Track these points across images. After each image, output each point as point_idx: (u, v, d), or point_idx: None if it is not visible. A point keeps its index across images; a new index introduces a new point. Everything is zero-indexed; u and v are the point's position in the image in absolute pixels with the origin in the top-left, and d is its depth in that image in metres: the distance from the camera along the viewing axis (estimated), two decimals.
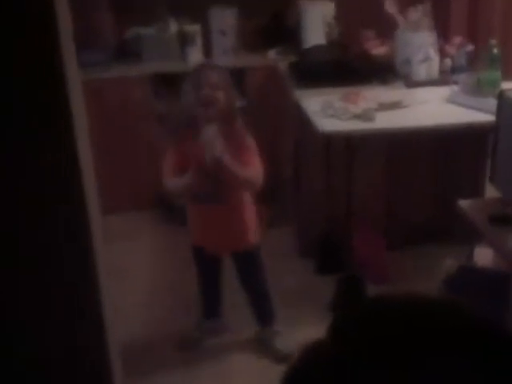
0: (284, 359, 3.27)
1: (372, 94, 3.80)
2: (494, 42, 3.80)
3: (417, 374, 0.65)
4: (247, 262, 3.32)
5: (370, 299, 0.79)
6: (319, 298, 3.69)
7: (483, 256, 3.45)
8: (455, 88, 3.86)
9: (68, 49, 1.72)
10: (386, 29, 4.28)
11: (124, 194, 4.91)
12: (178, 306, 3.68)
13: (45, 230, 1.78)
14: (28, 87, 1.66)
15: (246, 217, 3.22)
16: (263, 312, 3.46)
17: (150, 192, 4.90)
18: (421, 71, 4.11)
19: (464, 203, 3.05)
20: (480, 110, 3.57)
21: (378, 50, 4.35)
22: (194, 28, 4.87)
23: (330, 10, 4.62)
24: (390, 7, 4.20)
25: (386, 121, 3.55)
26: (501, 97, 2.93)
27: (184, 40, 4.89)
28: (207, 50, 4.92)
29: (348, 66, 4.21)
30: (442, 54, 4.18)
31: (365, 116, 3.53)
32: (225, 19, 4.88)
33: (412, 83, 4.09)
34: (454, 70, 4.15)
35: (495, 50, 3.76)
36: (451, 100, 3.78)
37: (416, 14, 4.15)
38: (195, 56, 4.88)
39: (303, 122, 3.81)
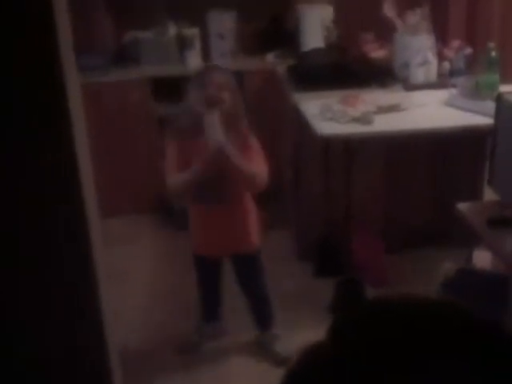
0: (283, 362, 3.27)
1: (371, 97, 3.80)
2: (492, 45, 3.81)
3: (416, 377, 0.65)
4: (248, 265, 3.31)
5: (368, 301, 0.79)
6: (318, 301, 3.69)
7: (482, 259, 3.45)
8: (453, 91, 3.87)
9: (67, 49, 1.72)
10: (385, 32, 4.29)
11: (124, 198, 4.91)
12: (177, 310, 3.68)
13: (45, 230, 1.79)
14: (28, 87, 1.66)
15: (248, 218, 3.21)
16: (263, 316, 3.45)
17: (149, 195, 4.91)
18: (419, 74, 4.12)
19: (462, 206, 3.05)
20: (478, 113, 3.58)
21: (376, 53, 4.36)
22: (193, 31, 4.87)
23: (328, 13, 4.63)
24: (389, 11, 4.21)
25: (384, 124, 3.55)
26: (499, 100, 2.93)
27: (183, 44, 4.90)
28: (206, 54, 4.93)
29: (346, 69, 4.22)
30: (441, 57, 4.19)
31: (363, 119, 3.54)
32: (223, 23, 4.89)
33: (410, 86, 4.10)
34: (453, 73, 4.15)
35: (493, 53, 3.77)
36: (449, 103, 3.79)
37: (414, 17, 4.16)
38: (194, 59, 4.88)
39: (302, 125, 3.82)
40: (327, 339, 0.72)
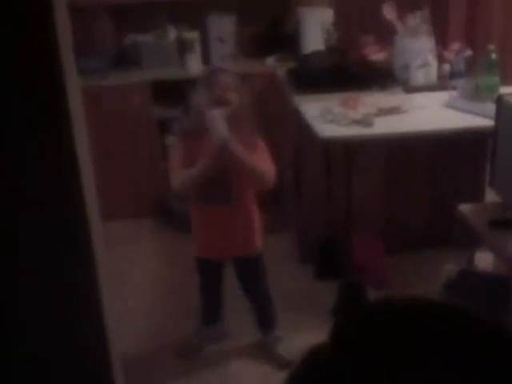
0: (286, 365, 3.26)
1: (371, 100, 3.81)
2: (492, 47, 3.82)
3: (416, 377, 0.65)
4: (251, 267, 3.30)
5: (369, 303, 0.79)
6: (319, 304, 3.69)
7: (484, 260, 3.45)
8: (454, 93, 3.87)
9: (67, 49, 1.72)
10: (385, 35, 4.29)
11: (124, 201, 4.91)
12: (178, 312, 3.68)
13: (45, 230, 1.78)
14: (28, 87, 1.66)
15: (252, 219, 3.20)
16: (265, 318, 3.44)
17: (150, 198, 4.91)
18: (419, 77, 4.12)
19: (464, 207, 3.05)
20: (479, 114, 3.58)
21: (376, 55, 4.36)
22: (193, 35, 4.88)
23: (328, 16, 4.64)
24: (389, 13, 4.21)
25: (384, 126, 3.56)
26: (499, 101, 2.94)
27: (183, 47, 4.91)
28: (206, 57, 4.94)
29: (347, 72, 4.22)
30: (441, 59, 4.20)
31: (364, 121, 3.54)
32: (223, 26, 4.90)
33: (411, 88, 4.10)
34: (453, 75, 4.16)
35: (493, 55, 3.77)
36: (450, 105, 3.79)
37: (414, 20, 4.16)
38: (194, 63, 4.89)
39: (302, 127, 3.82)
40: (329, 341, 0.72)
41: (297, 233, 4.32)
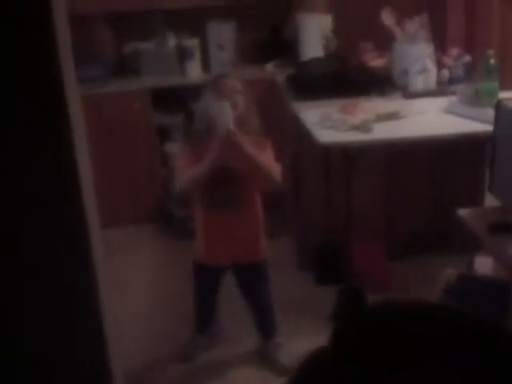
0: (286, 372, 3.25)
1: (370, 106, 3.82)
2: (491, 52, 3.82)
3: (416, 377, 0.65)
4: (256, 273, 3.28)
5: (369, 307, 0.79)
6: (319, 310, 3.69)
7: (483, 265, 3.45)
8: (453, 98, 3.88)
9: (65, 49, 1.73)
10: (384, 41, 4.31)
11: (124, 207, 4.92)
12: (177, 318, 3.67)
13: (45, 230, 1.79)
14: (27, 87, 1.67)
15: (258, 225, 3.20)
16: (266, 325, 3.43)
17: (149, 205, 4.92)
18: (418, 82, 4.13)
19: (463, 212, 3.06)
20: (478, 120, 3.58)
21: (375, 61, 4.38)
22: (193, 42, 4.89)
23: (327, 22, 4.65)
24: (387, 19, 4.23)
25: (384, 132, 3.56)
26: (498, 106, 2.94)
27: (182, 54, 4.92)
28: (206, 64, 4.95)
29: (346, 78, 4.23)
30: (440, 65, 4.21)
31: (363, 127, 3.55)
32: (223, 33, 4.91)
33: (410, 94, 4.11)
34: (452, 80, 4.17)
35: (492, 61, 3.78)
36: (449, 110, 3.80)
37: (413, 25, 4.18)
38: (194, 70, 4.90)
39: (302, 133, 3.83)
40: (329, 345, 0.72)
41: (297, 238, 4.32)
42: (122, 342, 2.93)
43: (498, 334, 0.70)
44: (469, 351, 0.67)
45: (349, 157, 3.79)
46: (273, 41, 5.04)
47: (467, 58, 4.22)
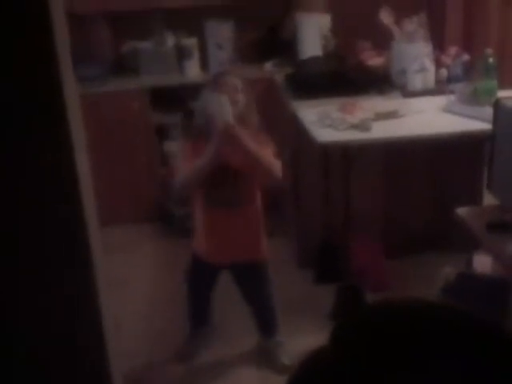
0: (286, 370, 3.25)
1: (369, 105, 3.82)
2: (489, 51, 3.82)
3: (416, 377, 0.65)
4: (256, 273, 3.27)
5: (368, 305, 0.79)
6: (319, 308, 3.69)
7: (482, 263, 3.45)
8: (452, 97, 3.88)
9: (63, 49, 1.73)
10: (382, 40, 4.31)
11: (123, 207, 4.91)
12: (177, 317, 3.67)
13: (45, 230, 1.79)
14: (26, 87, 1.67)
15: (259, 224, 3.19)
16: (267, 323, 3.42)
17: (149, 204, 4.92)
18: (417, 81, 4.13)
19: (462, 211, 3.06)
20: (476, 118, 3.59)
21: (374, 60, 4.37)
22: (191, 41, 4.89)
23: (326, 22, 4.65)
24: (386, 18, 4.23)
25: (382, 130, 3.56)
26: (497, 105, 2.95)
27: (181, 53, 4.92)
28: (204, 63, 4.95)
29: (344, 77, 4.23)
30: (438, 64, 4.21)
31: (362, 126, 3.55)
32: (221, 32, 4.91)
33: (408, 93, 4.11)
34: (450, 79, 4.17)
35: (491, 60, 3.78)
36: (448, 109, 3.80)
37: (411, 24, 4.18)
38: (192, 69, 4.90)
39: (300, 132, 3.83)
40: (328, 344, 0.72)
41: (296, 237, 4.32)
42: (121, 341, 2.93)
43: (498, 333, 0.70)
44: (469, 351, 0.67)
45: (347, 156, 3.79)
46: (271, 40, 5.04)
47: (466, 57, 4.23)
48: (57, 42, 1.66)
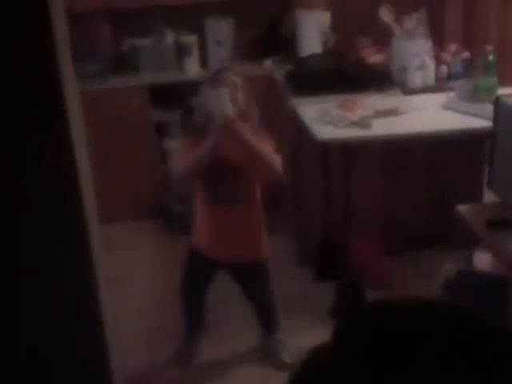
0: (287, 367, 3.25)
1: (369, 102, 3.81)
2: (489, 48, 3.82)
3: (416, 377, 0.65)
4: (255, 274, 3.27)
5: (368, 304, 0.79)
6: (319, 305, 3.70)
7: (482, 260, 3.45)
8: (452, 94, 3.88)
9: (63, 49, 1.73)
10: (382, 37, 4.30)
11: (123, 204, 4.91)
12: (177, 314, 3.67)
13: (45, 230, 1.79)
14: (26, 87, 1.67)
15: (260, 222, 3.19)
16: (268, 320, 3.42)
17: (149, 201, 4.92)
18: (417, 78, 4.13)
19: (462, 208, 3.06)
20: (477, 115, 3.58)
21: (374, 57, 4.37)
22: (191, 39, 4.89)
23: (325, 19, 4.65)
24: (386, 16, 4.22)
25: (382, 128, 3.56)
26: (497, 102, 2.94)
27: (181, 51, 4.91)
28: (204, 61, 4.94)
29: (344, 74, 4.23)
30: (438, 61, 4.20)
31: (362, 123, 3.55)
32: (221, 29, 4.90)
33: (408, 90, 4.11)
34: (450, 76, 4.17)
35: (491, 57, 3.78)
36: (448, 106, 3.80)
37: (411, 22, 4.17)
38: (192, 66, 4.90)
39: (300, 129, 3.83)
40: (330, 342, 0.72)
41: (296, 234, 4.33)
42: (121, 338, 2.93)
43: (498, 333, 0.70)
44: (469, 351, 0.67)
45: (348, 153, 3.79)
46: (271, 37, 5.03)
47: (466, 54, 4.22)
48: (57, 42, 1.66)
